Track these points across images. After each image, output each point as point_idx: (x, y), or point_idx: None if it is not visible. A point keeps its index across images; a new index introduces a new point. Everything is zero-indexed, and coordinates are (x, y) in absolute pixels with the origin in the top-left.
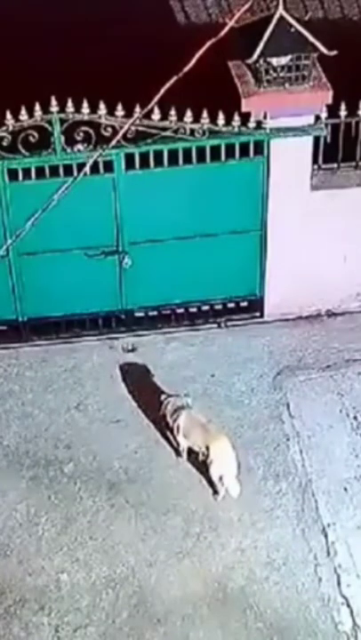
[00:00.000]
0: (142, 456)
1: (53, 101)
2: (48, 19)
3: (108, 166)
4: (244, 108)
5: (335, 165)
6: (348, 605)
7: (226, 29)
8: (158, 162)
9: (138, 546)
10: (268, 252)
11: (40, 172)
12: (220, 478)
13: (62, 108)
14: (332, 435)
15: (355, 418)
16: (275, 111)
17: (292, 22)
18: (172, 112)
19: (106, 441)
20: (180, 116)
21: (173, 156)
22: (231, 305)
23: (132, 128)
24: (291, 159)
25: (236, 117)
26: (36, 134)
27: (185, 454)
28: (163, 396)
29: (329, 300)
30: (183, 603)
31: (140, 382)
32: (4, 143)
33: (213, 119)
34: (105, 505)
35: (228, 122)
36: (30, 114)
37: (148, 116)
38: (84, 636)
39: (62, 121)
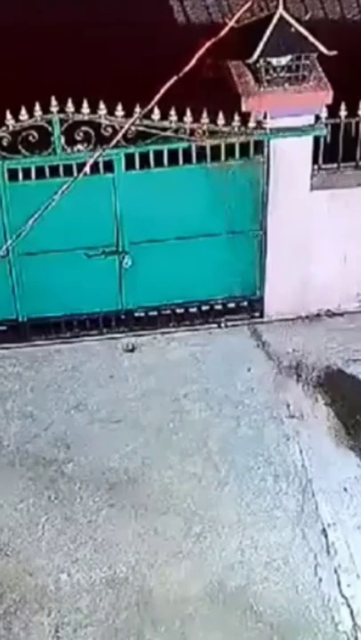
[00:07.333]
0: (142, 456)
1: (53, 101)
2: (47, 19)
3: (108, 166)
4: (244, 108)
5: (335, 165)
6: (349, 605)
7: (226, 29)
8: (158, 162)
9: (138, 546)
10: (268, 252)
11: (40, 172)
12: None
13: (62, 108)
14: (331, 434)
15: (355, 417)
16: (275, 111)
17: (292, 22)
18: (172, 112)
19: (106, 441)
20: (180, 116)
21: (173, 155)
22: (231, 305)
23: (133, 128)
24: (291, 159)
25: (237, 117)
26: (35, 134)
27: None
28: None
29: (329, 300)
30: (183, 603)
31: (140, 382)
32: (4, 143)
33: (213, 119)
34: (105, 505)
35: (228, 122)
36: (30, 114)
37: (148, 116)
38: (84, 637)
39: (62, 121)
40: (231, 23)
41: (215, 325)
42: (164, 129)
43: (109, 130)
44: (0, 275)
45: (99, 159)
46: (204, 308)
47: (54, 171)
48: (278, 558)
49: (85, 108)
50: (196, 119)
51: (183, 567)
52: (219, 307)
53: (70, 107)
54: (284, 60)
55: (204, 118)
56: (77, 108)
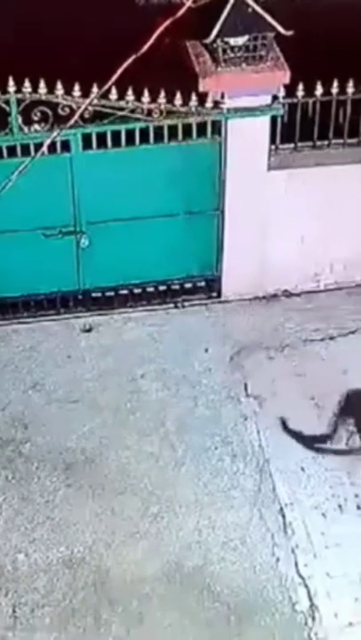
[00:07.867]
0: (99, 436)
1: (10, 81)
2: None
3: (66, 146)
4: (201, 89)
5: (293, 145)
6: (306, 585)
7: (184, 9)
8: (116, 142)
9: (95, 526)
10: (226, 233)
11: None
12: None
13: (19, 88)
14: (289, 414)
15: (312, 398)
16: (232, 91)
17: (249, 2)
18: (130, 92)
19: (63, 421)
20: (138, 96)
21: (131, 135)
22: (188, 285)
23: (90, 108)
24: (248, 139)
25: (194, 97)
26: None
27: None
28: None
29: (286, 281)
30: (140, 583)
31: (97, 362)
32: None
33: (171, 99)
34: (62, 485)
35: (186, 102)
36: None
37: (105, 95)
38: (41, 616)
39: (19, 101)
40: (189, 3)
41: (172, 305)
42: (121, 109)
43: (67, 110)
44: None
45: (56, 139)
46: (162, 288)
47: (11, 151)
48: (235, 538)
49: (42, 88)
50: (154, 99)
51: (140, 547)
52: (176, 287)
53: (27, 86)
54: (241, 40)
55: (162, 98)
56: (35, 88)
